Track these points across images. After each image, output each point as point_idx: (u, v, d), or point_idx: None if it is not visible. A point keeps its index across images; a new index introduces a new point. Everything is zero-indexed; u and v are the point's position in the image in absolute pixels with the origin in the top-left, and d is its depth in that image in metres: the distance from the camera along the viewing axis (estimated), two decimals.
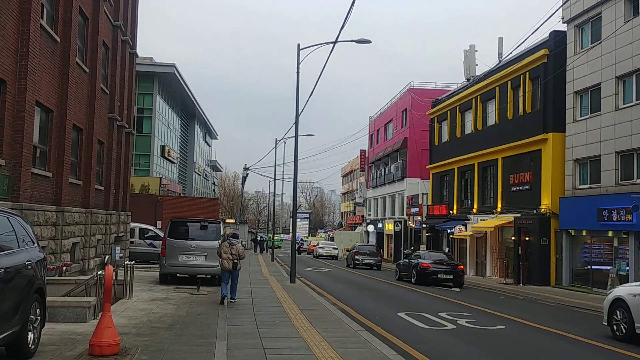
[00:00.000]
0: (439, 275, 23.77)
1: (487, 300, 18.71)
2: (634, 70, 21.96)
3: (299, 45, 21.52)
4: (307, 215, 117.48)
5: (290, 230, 21.59)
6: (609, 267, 23.38)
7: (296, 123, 21.80)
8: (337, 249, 52.13)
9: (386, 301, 16.97)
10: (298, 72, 21.51)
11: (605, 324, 11.59)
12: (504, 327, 12.22)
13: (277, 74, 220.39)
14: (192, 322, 10.69)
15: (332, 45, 21.61)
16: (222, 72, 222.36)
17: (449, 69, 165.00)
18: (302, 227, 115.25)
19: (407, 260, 26.56)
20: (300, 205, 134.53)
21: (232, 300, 13.82)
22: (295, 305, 13.76)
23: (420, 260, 24.60)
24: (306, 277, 24.66)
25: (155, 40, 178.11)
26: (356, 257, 35.67)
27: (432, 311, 14.33)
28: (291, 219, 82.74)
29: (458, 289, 22.86)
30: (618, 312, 11.17)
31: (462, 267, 25.37)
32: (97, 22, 18.42)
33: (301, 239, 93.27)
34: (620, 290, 11.43)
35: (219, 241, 17.65)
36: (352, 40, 20.96)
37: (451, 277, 23.90)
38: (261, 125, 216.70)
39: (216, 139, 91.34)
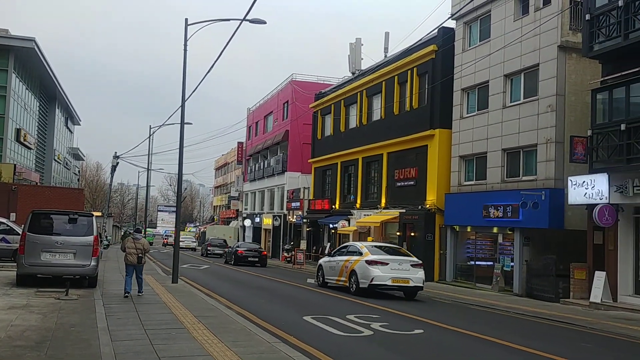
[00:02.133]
0: (249, 259, 34.38)
1: (382, 298, 17.92)
2: (523, 68, 22.34)
3: (186, 20, 19.50)
4: (176, 209, 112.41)
5: (175, 225, 19.50)
6: (492, 263, 23.75)
7: (182, 107, 19.75)
8: (195, 242, 63.95)
9: (284, 302, 15.59)
10: (185, 50, 19.50)
11: None
12: (422, 331, 11.32)
13: (156, 63, 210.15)
14: (66, 338, 8.63)
15: (222, 22, 19.84)
16: (94, 54, 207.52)
17: (332, 63, 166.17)
18: (170, 220, 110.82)
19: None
20: (168, 199, 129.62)
21: (140, 294, 14.18)
22: (187, 311, 11.96)
23: (237, 248, 35.89)
24: (187, 276, 22.62)
25: (11, 10, 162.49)
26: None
27: (338, 314, 13.16)
28: (159, 212, 78.49)
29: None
30: None
31: (265, 252, 36.48)
32: None
33: (167, 234, 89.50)
34: None
35: (92, 237, 15.44)
36: (244, 20, 19.21)
37: (257, 259, 34.54)
38: (134, 115, 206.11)
39: (79, 124, 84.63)
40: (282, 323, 11.49)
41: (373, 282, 17.67)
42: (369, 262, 17.97)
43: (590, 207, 18.24)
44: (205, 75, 18.99)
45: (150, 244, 67.31)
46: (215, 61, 17.44)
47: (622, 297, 17.13)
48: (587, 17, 17.65)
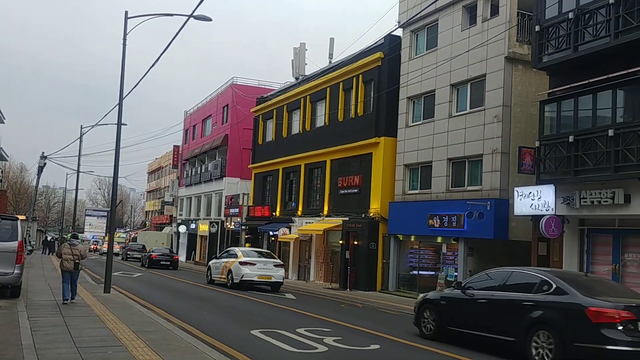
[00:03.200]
0: (161, 262, 37.22)
1: (330, 309, 17.36)
2: (470, 78, 22.35)
3: (126, 12, 18.37)
4: (105, 214, 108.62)
5: (109, 230, 18.23)
6: (435, 273, 23.61)
7: (120, 105, 18.55)
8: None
9: (227, 314, 14.71)
10: (124, 45, 18.34)
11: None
12: (378, 346, 10.74)
13: (91, 60, 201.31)
14: None
15: (163, 16, 18.87)
16: (28, 49, 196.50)
17: (273, 68, 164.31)
18: (99, 225, 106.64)
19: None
20: (97, 203, 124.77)
21: (73, 301, 13.91)
22: (124, 325, 10.94)
23: (151, 253, 38.79)
24: (120, 285, 21.30)
25: None
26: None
27: (286, 327, 12.44)
28: (87, 217, 75.29)
29: (275, 294, 21.42)
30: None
31: (177, 257, 39.70)
32: None
33: (95, 239, 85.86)
34: None
35: (16, 242, 14.16)
36: (190, 16, 18.29)
37: (169, 263, 37.46)
38: (65, 114, 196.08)
39: (2, 123, 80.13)
40: (230, 338, 10.67)
41: (243, 278, 22.35)
42: (242, 263, 22.67)
43: (536, 218, 18.29)
44: (147, 71, 17.95)
45: None
46: (160, 56, 16.43)
47: None
48: (537, 28, 17.72)
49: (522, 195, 18.45)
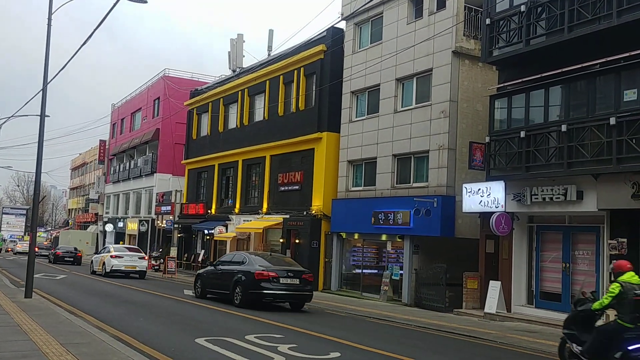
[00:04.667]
0: (65, 259, 40.35)
1: (275, 312, 16.36)
2: (415, 73, 21.89)
3: None
4: (24, 212, 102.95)
5: (31, 229, 16.51)
6: (379, 271, 23.06)
7: (44, 91, 16.83)
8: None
9: (166, 320, 13.46)
10: (49, 24, 16.65)
11: None
12: (339, 354, 9.86)
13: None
14: None
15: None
16: None
17: (204, 60, 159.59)
18: (18, 224, 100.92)
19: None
20: (15, 200, 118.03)
21: None
22: (50, 336, 9.58)
23: (56, 250, 43.25)
24: (42, 288, 19.49)
25: None
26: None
27: (233, 333, 11.39)
28: (4, 215, 70.85)
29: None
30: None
31: (80, 254, 41.90)
32: None
33: (12, 239, 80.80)
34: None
35: None
36: None
37: (72, 259, 40.45)
38: None
39: None
40: (173, 349, 9.54)
41: (113, 268, 27.96)
42: (112, 257, 28.40)
43: (485, 215, 17.99)
44: (78, 50, 16.27)
45: (0, 250, 61.13)
46: (91, 34, 14.88)
47: (516, 307, 16.94)
48: (488, 21, 17.37)
49: (470, 192, 18.10)
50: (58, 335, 9.71)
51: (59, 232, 72.90)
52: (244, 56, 34.38)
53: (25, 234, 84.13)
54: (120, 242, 44.83)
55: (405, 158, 22.18)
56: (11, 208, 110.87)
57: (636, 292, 8.59)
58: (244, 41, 34.48)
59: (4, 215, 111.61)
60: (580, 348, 9.02)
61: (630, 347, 8.33)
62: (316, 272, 25.26)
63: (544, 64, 15.82)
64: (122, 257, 28.38)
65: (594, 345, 8.76)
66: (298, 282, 16.97)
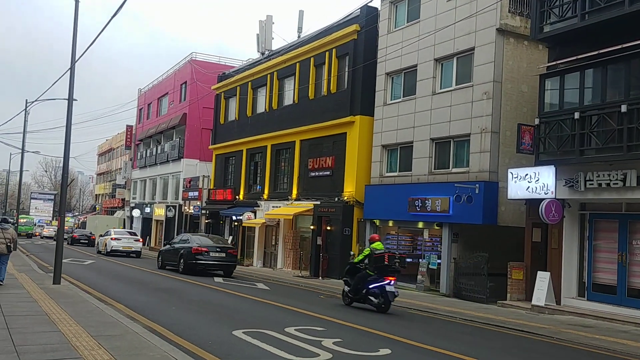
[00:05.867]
0: (81, 241, 46.98)
1: (310, 302, 15.67)
2: (456, 52, 20.81)
3: None
4: (52, 197, 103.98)
5: (59, 213, 15.99)
6: (413, 260, 22.15)
7: (72, 70, 16.21)
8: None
9: (198, 309, 12.80)
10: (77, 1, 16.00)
11: None
12: (389, 351, 9.04)
13: (30, 40, 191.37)
14: None
15: None
16: None
17: (233, 44, 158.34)
18: (46, 209, 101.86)
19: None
20: (43, 186, 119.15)
21: (1, 284, 14.16)
22: (79, 327, 8.95)
23: (72, 233, 48.64)
24: (70, 274, 19.04)
25: None
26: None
27: (273, 325, 10.67)
28: (32, 200, 71.08)
29: (266, 287, 19.53)
30: None
31: (94, 237, 44.92)
32: None
33: (40, 223, 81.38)
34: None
35: None
36: None
37: (87, 242, 46.39)
38: (5, 95, 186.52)
39: None
40: (210, 342, 8.84)
41: (113, 248, 32.66)
42: (112, 239, 33.27)
43: (531, 202, 16.98)
44: (108, 22, 15.61)
45: (31, 235, 61.44)
46: (120, 8, 14.13)
47: (565, 299, 15.93)
48: None
49: (517, 177, 17.08)
50: (88, 326, 9.07)
51: (86, 217, 73.20)
52: (272, 38, 33.50)
53: (53, 219, 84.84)
54: (121, 227, 50.02)
55: (444, 142, 21.18)
56: (39, 193, 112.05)
57: (376, 252, 14.37)
58: (273, 23, 33.56)
59: (32, 200, 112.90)
60: (348, 288, 14.94)
61: (370, 286, 14.24)
62: (348, 260, 24.47)
63: (601, 40, 14.68)
64: (120, 240, 33.44)
65: (355, 286, 14.61)
66: (224, 255, 22.99)
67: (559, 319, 14.61)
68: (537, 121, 16.29)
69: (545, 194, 16.09)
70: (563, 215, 16.01)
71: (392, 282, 14.13)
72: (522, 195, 17.00)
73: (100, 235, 37.53)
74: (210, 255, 22.41)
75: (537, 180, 16.39)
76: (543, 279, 16.10)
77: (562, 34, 15.86)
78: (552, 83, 16.18)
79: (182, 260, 22.86)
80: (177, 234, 40.00)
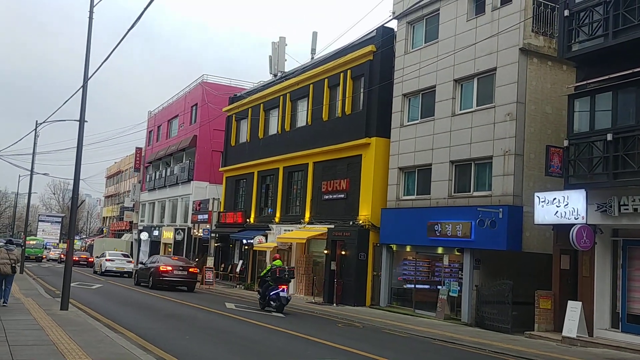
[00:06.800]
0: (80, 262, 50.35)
1: (331, 332, 14.88)
2: (476, 73, 20.26)
3: None
4: (60, 220, 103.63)
5: (68, 236, 15.38)
6: (431, 287, 21.38)
7: (84, 87, 15.73)
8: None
9: (215, 340, 12.06)
10: (91, 18, 15.59)
11: None
12: None
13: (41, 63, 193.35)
14: None
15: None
16: None
17: (246, 65, 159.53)
18: (53, 232, 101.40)
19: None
20: (50, 208, 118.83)
21: (5, 305, 14.43)
22: (89, 359, 8.25)
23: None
24: (78, 299, 18.34)
25: None
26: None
27: (295, 359, 9.92)
28: (40, 223, 70.38)
29: (282, 315, 18.77)
30: None
31: (92, 260, 47.95)
32: None
33: (47, 246, 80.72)
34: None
35: None
36: None
37: (86, 264, 49.76)
38: (15, 117, 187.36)
39: None
40: None
41: (107, 269, 36.20)
42: (107, 260, 36.95)
43: (559, 227, 16.24)
44: (119, 42, 15.06)
45: (40, 258, 60.10)
46: (133, 25, 13.64)
47: (598, 331, 15.10)
48: (566, 13, 15.72)
49: (544, 201, 16.36)
50: (98, 357, 8.37)
51: (93, 239, 72.62)
52: (285, 60, 33.15)
53: (60, 242, 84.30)
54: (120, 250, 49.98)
55: (465, 165, 20.52)
56: (47, 215, 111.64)
57: (273, 267, 19.50)
58: (286, 44, 33.24)
59: (39, 223, 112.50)
60: (259, 295, 19.87)
61: (271, 293, 19.07)
62: (364, 286, 23.74)
63: (633, 58, 14.09)
64: (114, 261, 37.36)
65: (262, 293, 19.66)
66: (186, 273, 27.12)
67: (593, 351, 13.79)
68: (566, 143, 15.64)
69: (576, 219, 15.36)
70: (595, 242, 15.25)
71: (285, 289, 19.12)
72: (550, 220, 16.26)
73: (96, 257, 40.60)
74: (174, 273, 26.74)
75: (567, 204, 15.66)
76: (574, 309, 15.28)
77: (591, 53, 15.28)
78: (582, 104, 15.56)
79: (151, 278, 26.98)
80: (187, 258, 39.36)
